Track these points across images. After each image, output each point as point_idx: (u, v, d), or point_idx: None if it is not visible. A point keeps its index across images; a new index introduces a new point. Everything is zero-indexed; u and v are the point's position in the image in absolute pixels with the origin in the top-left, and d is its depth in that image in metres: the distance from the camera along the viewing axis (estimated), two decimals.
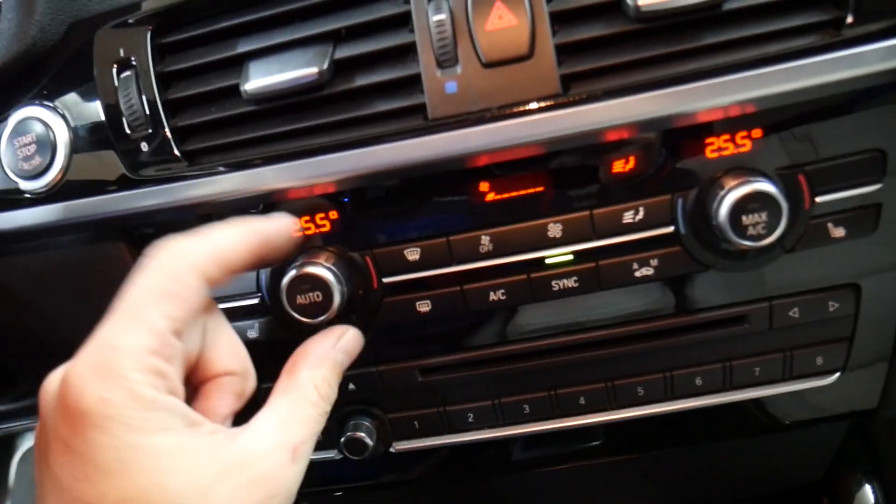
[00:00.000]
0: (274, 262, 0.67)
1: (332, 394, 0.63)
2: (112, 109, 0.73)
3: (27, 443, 1.72)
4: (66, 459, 0.50)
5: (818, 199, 0.69)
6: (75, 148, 0.74)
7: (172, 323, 0.53)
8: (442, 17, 0.64)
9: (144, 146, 0.72)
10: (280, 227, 0.65)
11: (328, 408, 0.62)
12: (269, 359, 0.64)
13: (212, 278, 0.57)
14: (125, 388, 0.50)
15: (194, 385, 0.60)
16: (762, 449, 0.94)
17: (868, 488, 0.99)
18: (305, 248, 0.72)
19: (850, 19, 0.62)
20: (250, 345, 0.68)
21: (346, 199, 0.72)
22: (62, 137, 0.74)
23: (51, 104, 0.75)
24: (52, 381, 0.54)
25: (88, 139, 0.74)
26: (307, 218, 0.72)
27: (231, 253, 0.59)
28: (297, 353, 0.64)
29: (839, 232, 0.70)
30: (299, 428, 0.58)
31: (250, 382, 0.62)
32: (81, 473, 0.49)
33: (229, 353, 0.62)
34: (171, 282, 0.55)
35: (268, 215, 0.66)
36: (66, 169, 0.74)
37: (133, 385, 0.50)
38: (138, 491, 0.49)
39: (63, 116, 0.75)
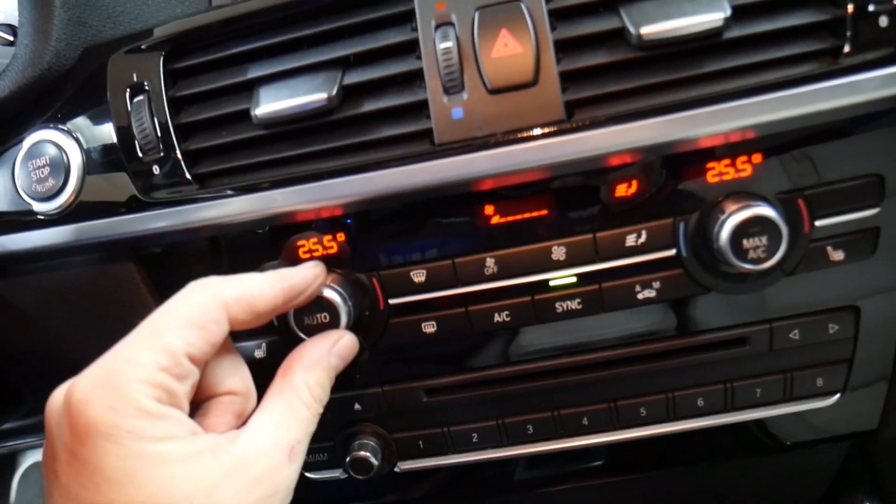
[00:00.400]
0: (300, 305, 0.69)
1: (324, 396, 0.65)
2: (124, 132, 0.74)
3: (29, 460, 1.72)
4: (73, 469, 0.52)
5: (818, 223, 0.70)
6: (88, 170, 0.75)
7: (189, 347, 0.56)
8: (449, 44, 0.66)
9: (156, 169, 0.73)
10: (306, 276, 0.68)
11: (321, 409, 0.64)
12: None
13: (236, 317, 0.60)
14: (131, 397, 0.52)
15: (195, 402, 0.61)
16: (763, 470, 0.94)
17: None
18: None
19: (847, 48, 0.63)
20: (257, 364, 0.69)
21: (352, 222, 0.73)
22: (75, 160, 0.75)
23: (64, 127, 0.77)
24: (58, 395, 0.56)
25: (101, 162, 0.75)
26: (315, 240, 0.73)
27: (258, 296, 0.62)
28: (293, 356, 0.66)
29: (838, 255, 0.71)
30: (295, 428, 0.60)
31: (251, 403, 0.64)
32: (89, 482, 0.51)
33: (232, 373, 0.63)
34: (197, 311, 0.58)
35: (299, 266, 0.69)
36: (78, 191, 0.75)
37: (138, 395, 0.52)
38: (146, 497, 0.51)
39: (76, 139, 0.76)
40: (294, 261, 0.74)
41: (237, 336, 0.69)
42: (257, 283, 0.63)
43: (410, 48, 0.68)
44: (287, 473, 0.58)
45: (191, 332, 0.56)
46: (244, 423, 0.61)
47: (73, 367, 0.56)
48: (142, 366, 0.53)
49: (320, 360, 0.66)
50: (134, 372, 0.53)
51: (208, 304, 0.58)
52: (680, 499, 1.03)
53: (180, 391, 0.55)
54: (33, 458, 1.72)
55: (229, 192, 0.71)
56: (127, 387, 0.52)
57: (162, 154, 0.73)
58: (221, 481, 0.54)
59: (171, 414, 0.54)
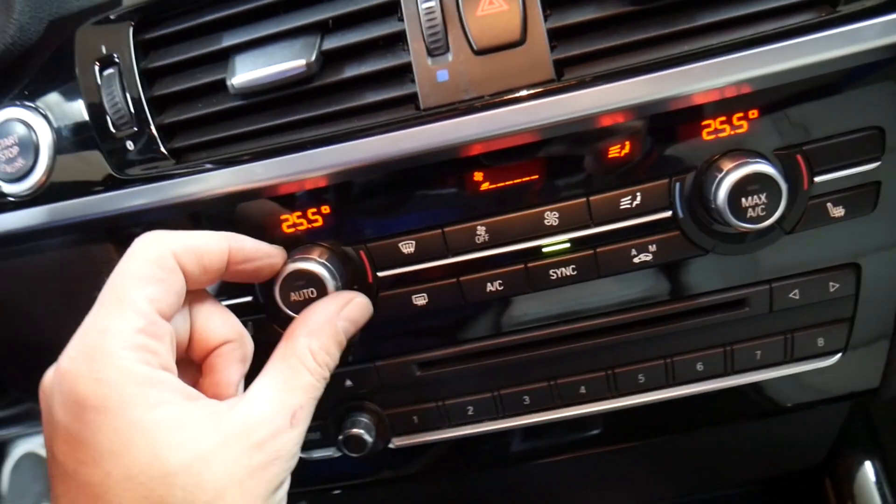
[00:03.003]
0: (256, 278, 0.67)
1: (331, 362, 0.64)
2: (96, 108, 0.71)
3: (19, 450, 1.70)
4: (69, 446, 0.51)
5: (817, 179, 0.68)
6: (59, 149, 0.73)
7: (156, 304, 0.55)
8: (431, 3, 0.64)
9: (130, 145, 0.71)
10: (259, 247, 0.66)
11: (327, 375, 0.63)
12: (265, 357, 0.63)
13: (186, 268, 0.58)
14: (118, 366, 0.51)
15: (197, 363, 0.63)
16: (764, 433, 0.93)
17: (869, 465, 0.98)
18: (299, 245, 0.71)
19: None
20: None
21: (337, 193, 0.71)
22: (45, 138, 0.72)
23: (32, 105, 0.74)
24: (47, 378, 0.55)
25: (72, 139, 0.73)
26: (299, 213, 0.71)
27: (205, 249, 0.60)
28: (299, 319, 0.65)
29: (839, 211, 0.69)
30: (297, 393, 0.60)
31: (249, 345, 0.64)
32: (85, 456, 0.50)
33: (221, 322, 0.63)
34: (152, 266, 0.56)
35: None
36: (50, 171, 0.73)
37: (125, 362, 0.51)
38: (142, 466, 0.50)
39: (45, 117, 0.73)
40: (278, 236, 0.71)
41: None
42: (203, 236, 0.61)
43: (391, 9, 0.67)
44: (289, 439, 0.57)
45: (151, 288, 0.55)
46: (248, 374, 0.61)
47: (55, 352, 0.54)
48: (118, 333, 0.52)
49: (326, 324, 0.64)
50: (113, 340, 0.52)
51: (159, 255, 0.57)
52: (681, 465, 1.03)
53: (162, 349, 0.55)
54: (23, 448, 1.71)
55: (208, 166, 0.69)
56: (111, 356, 0.51)
57: (136, 129, 0.70)
58: (219, 448, 0.53)
59: (162, 379, 0.53)
